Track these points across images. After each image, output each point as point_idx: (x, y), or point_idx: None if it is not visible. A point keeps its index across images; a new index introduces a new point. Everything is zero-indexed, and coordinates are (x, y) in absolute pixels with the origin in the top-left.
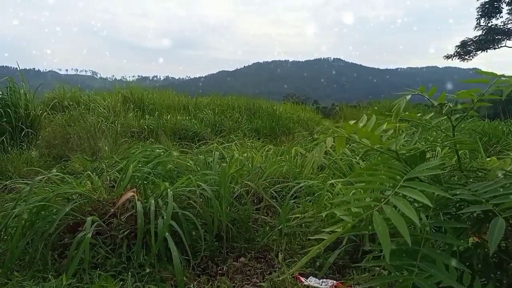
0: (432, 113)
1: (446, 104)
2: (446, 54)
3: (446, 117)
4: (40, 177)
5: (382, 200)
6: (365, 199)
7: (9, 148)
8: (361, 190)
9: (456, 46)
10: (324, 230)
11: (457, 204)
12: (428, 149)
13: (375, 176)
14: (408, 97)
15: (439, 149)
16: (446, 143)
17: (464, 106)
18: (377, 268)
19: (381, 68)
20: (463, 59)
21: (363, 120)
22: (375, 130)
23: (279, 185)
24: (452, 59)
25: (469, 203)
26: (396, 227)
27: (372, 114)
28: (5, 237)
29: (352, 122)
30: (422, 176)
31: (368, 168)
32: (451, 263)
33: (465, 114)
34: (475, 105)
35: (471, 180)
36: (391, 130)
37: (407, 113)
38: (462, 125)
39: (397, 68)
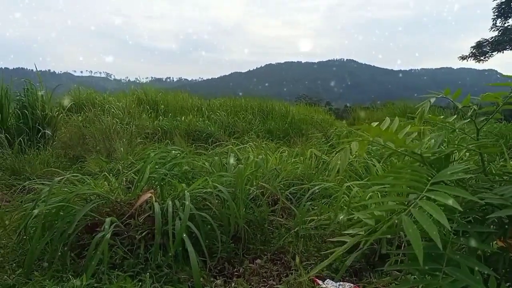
0: (455, 116)
1: (470, 107)
2: (461, 55)
3: (469, 120)
4: (60, 177)
5: (409, 203)
6: (387, 203)
7: (26, 149)
8: (378, 194)
9: (472, 47)
10: (343, 233)
11: (482, 208)
12: (452, 152)
13: (400, 179)
14: (433, 100)
15: (457, 152)
16: (470, 146)
17: (487, 109)
18: (396, 272)
19: (394, 69)
20: (479, 60)
21: (386, 122)
22: (398, 133)
23: (295, 187)
24: (467, 60)
25: (495, 207)
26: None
27: (386, 115)
28: (25, 237)
29: (374, 124)
30: (446, 180)
31: (392, 172)
32: (476, 268)
33: (490, 117)
34: (501, 108)
35: (495, 184)
36: (415, 133)
37: (429, 115)
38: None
39: (411, 69)
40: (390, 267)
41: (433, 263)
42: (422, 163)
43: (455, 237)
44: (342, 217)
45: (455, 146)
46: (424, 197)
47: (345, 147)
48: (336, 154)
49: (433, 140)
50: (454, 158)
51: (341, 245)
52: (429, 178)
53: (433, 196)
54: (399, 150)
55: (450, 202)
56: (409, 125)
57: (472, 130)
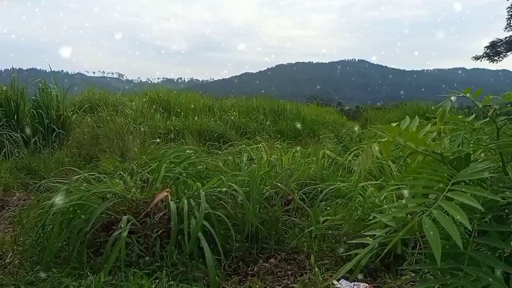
0: (474, 115)
1: (491, 107)
2: (474, 55)
3: (488, 119)
4: (77, 176)
5: (429, 204)
6: (407, 205)
7: (41, 148)
8: (393, 194)
9: (485, 47)
10: (363, 234)
11: (502, 207)
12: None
13: (420, 179)
14: (454, 99)
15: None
16: (491, 145)
17: (507, 109)
18: (411, 272)
19: (407, 69)
20: (492, 60)
21: (405, 121)
22: (418, 132)
23: (309, 187)
24: (481, 60)
25: None
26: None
27: (399, 116)
28: (43, 235)
29: (394, 124)
30: (466, 179)
31: (412, 172)
32: (497, 267)
33: (511, 117)
34: None
35: None
36: (435, 133)
37: (448, 115)
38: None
39: (423, 70)
40: (409, 266)
41: (454, 263)
42: (442, 163)
43: (476, 236)
44: (364, 220)
45: (475, 145)
46: (444, 197)
47: (366, 149)
48: (359, 156)
49: (447, 141)
50: (475, 158)
51: (357, 245)
52: (450, 178)
53: (455, 196)
54: (419, 150)
55: (471, 202)
56: (429, 125)
57: (489, 130)
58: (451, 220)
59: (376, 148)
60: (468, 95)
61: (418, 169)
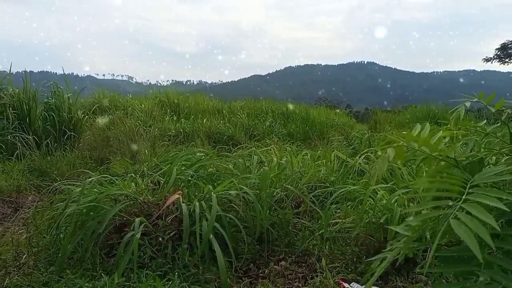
0: (485, 120)
1: (504, 111)
2: (485, 57)
3: (500, 124)
4: (91, 178)
5: (446, 209)
6: (426, 209)
7: (53, 151)
8: (404, 197)
9: (496, 49)
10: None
11: None
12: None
13: (434, 183)
14: (468, 104)
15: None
16: (503, 150)
17: None
18: (422, 276)
19: (416, 71)
20: (503, 62)
21: (417, 128)
22: (431, 138)
23: (319, 190)
24: (491, 62)
25: None
26: (450, 237)
27: (408, 119)
28: (57, 236)
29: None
30: (481, 183)
31: (427, 176)
32: None
33: None
34: None
35: None
36: (447, 138)
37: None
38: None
39: (433, 72)
40: (423, 269)
41: (467, 266)
42: (456, 167)
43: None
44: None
45: (488, 150)
46: (464, 201)
47: (383, 155)
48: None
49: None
50: (488, 162)
51: (366, 249)
52: (465, 182)
53: (478, 198)
54: (433, 155)
55: (495, 204)
56: (442, 130)
57: (501, 134)
58: (477, 221)
59: (392, 153)
60: (481, 100)
61: (432, 173)
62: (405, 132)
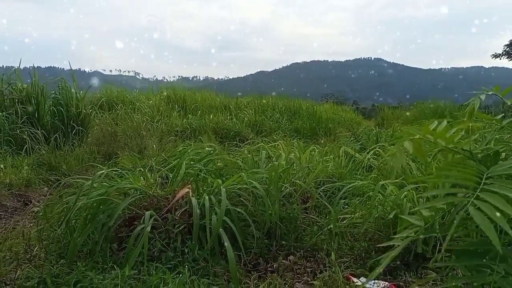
0: (502, 114)
1: None
2: (493, 53)
3: None
4: (101, 171)
5: (461, 200)
6: (442, 196)
7: (61, 145)
8: (414, 193)
9: (505, 45)
10: (392, 237)
11: None
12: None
13: (449, 177)
14: (483, 97)
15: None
16: None
17: None
18: (430, 271)
19: (423, 68)
20: None
21: (433, 124)
22: (447, 132)
23: (328, 185)
24: (500, 58)
25: None
26: (460, 230)
27: (416, 115)
28: (67, 230)
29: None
30: (495, 176)
31: (441, 169)
32: None
33: None
34: None
35: None
36: (463, 131)
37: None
38: None
39: (441, 68)
40: (436, 263)
41: (481, 260)
42: (471, 160)
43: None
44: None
45: (504, 143)
46: (480, 191)
47: (399, 148)
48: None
49: (474, 138)
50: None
51: (375, 244)
52: (481, 175)
53: (495, 189)
54: (449, 147)
55: None
56: (457, 123)
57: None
58: (494, 210)
59: (410, 146)
60: (497, 92)
61: (447, 166)
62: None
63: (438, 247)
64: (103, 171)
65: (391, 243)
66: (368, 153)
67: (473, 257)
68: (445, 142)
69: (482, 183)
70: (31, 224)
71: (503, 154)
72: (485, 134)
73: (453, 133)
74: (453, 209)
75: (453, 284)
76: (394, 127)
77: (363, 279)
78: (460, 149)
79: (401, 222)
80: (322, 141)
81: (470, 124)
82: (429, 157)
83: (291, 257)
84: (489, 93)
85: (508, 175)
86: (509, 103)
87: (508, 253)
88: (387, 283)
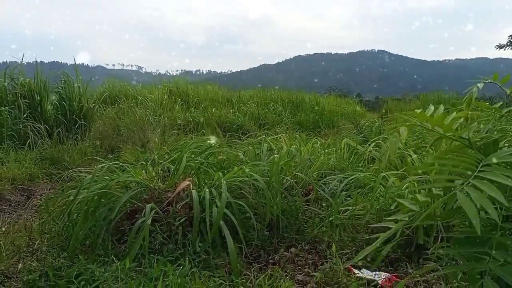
0: (501, 103)
1: None
2: (498, 44)
3: None
4: (102, 165)
5: (457, 186)
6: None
7: (64, 139)
8: (415, 184)
9: (510, 36)
10: (386, 219)
11: None
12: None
13: (446, 165)
14: (481, 86)
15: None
16: None
17: None
18: (432, 262)
19: (427, 60)
20: None
21: (430, 110)
22: (444, 118)
23: (329, 177)
24: (504, 49)
25: None
26: (462, 219)
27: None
28: (69, 223)
29: (418, 111)
30: (493, 164)
31: (438, 157)
32: None
33: None
34: None
35: None
36: (461, 119)
37: (476, 101)
38: None
39: (445, 60)
40: (435, 250)
41: (479, 247)
42: (470, 148)
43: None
44: (393, 206)
45: (503, 132)
46: (475, 178)
47: (394, 134)
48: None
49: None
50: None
51: (376, 236)
52: (478, 162)
53: (488, 176)
54: (447, 135)
55: (506, 181)
56: (456, 111)
57: None
58: (484, 195)
59: (404, 132)
60: (495, 81)
61: (445, 154)
62: (417, 111)
63: (439, 239)
64: (103, 165)
65: (384, 225)
66: (370, 145)
67: (469, 245)
68: (443, 129)
69: (477, 171)
70: (34, 218)
71: (504, 143)
72: (487, 124)
73: (451, 120)
74: (450, 198)
75: (448, 271)
76: (395, 117)
77: (364, 271)
78: (458, 137)
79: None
80: (325, 134)
81: (470, 113)
82: (430, 148)
83: (292, 249)
84: (488, 81)
85: (506, 163)
86: (508, 92)
87: (505, 242)
88: (388, 274)
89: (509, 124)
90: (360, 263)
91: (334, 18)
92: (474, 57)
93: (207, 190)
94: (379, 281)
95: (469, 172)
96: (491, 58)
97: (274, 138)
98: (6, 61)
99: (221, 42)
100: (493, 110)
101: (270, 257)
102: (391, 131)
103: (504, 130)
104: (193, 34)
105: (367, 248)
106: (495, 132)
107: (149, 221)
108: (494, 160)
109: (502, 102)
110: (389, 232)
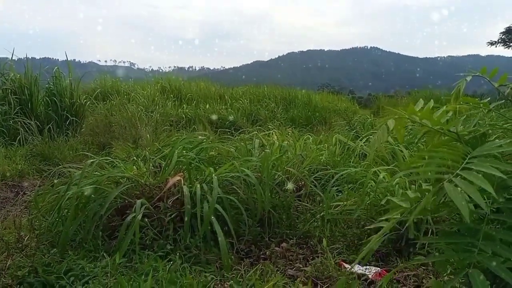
0: (489, 98)
1: (507, 86)
2: (489, 41)
3: (504, 101)
4: (91, 160)
5: (449, 174)
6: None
7: (55, 136)
8: (406, 179)
9: (501, 33)
10: (379, 219)
11: None
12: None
13: (435, 158)
14: (469, 78)
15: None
16: (507, 125)
17: None
18: (422, 257)
19: (420, 57)
20: (508, 46)
21: (419, 104)
22: (433, 112)
23: (320, 173)
24: (496, 46)
25: None
26: (452, 211)
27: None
28: (59, 219)
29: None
30: (480, 156)
31: (427, 151)
32: None
33: None
34: None
35: None
36: (450, 112)
37: (463, 96)
38: None
39: (437, 57)
40: (424, 239)
41: (469, 238)
42: (458, 142)
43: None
44: (384, 201)
45: (491, 126)
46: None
47: (382, 126)
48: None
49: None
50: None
51: (367, 231)
52: (466, 156)
53: (475, 167)
54: (435, 128)
55: (493, 171)
56: (444, 105)
57: (504, 111)
58: (473, 186)
59: (392, 124)
60: (484, 75)
61: (434, 147)
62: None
63: (430, 234)
64: (93, 160)
65: (378, 225)
66: (361, 140)
67: (457, 236)
68: (431, 123)
69: (465, 163)
70: (23, 214)
71: (493, 136)
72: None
73: (439, 114)
74: (439, 191)
75: (434, 260)
76: (386, 112)
77: (355, 265)
78: (447, 131)
79: (392, 207)
80: (317, 130)
81: (458, 106)
82: (419, 142)
83: (283, 244)
84: (476, 74)
85: (492, 155)
86: (496, 86)
87: (493, 233)
88: (378, 268)
89: (499, 119)
90: (351, 258)
91: (327, 14)
92: (466, 54)
93: (198, 186)
94: (370, 276)
95: (458, 165)
96: (483, 55)
97: (266, 134)
98: None
99: (214, 38)
100: (481, 104)
101: (262, 252)
102: (380, 125)
103: (493, 125)
104: (187, 31)
105: (364, 250)
106: (484, 126)
107: (139, 217)
108: (481, 153)
109: (489, 98)
110: (382, 231)
